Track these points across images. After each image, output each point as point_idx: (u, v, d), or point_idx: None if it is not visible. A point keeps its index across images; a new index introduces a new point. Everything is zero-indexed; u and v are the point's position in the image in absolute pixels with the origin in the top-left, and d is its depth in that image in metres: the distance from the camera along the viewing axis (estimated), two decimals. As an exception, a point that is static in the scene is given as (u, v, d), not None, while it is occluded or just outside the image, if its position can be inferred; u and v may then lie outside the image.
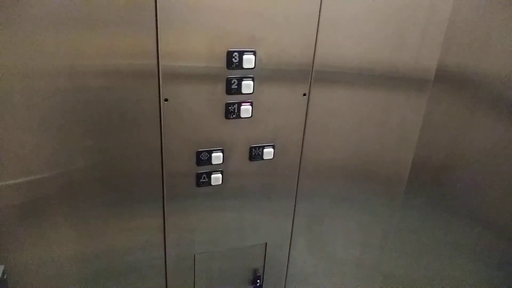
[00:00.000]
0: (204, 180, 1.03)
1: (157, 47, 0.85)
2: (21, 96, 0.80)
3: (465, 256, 1.27)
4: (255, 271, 1.26)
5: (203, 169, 1.02)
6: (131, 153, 0.94)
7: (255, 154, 1.05)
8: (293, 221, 1.21)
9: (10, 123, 0.82)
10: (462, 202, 1.22)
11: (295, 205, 1.18)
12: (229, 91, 0.94)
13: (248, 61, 0.91)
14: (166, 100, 0.90)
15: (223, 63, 0.91)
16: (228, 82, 0.93)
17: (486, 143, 1.13)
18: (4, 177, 0.86)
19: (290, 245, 1.25)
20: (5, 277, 0.83)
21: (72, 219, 0.96)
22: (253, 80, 0.94)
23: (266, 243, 1.22)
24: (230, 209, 1.11)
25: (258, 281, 1.26)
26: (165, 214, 1.04)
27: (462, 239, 1.26)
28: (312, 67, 0.99)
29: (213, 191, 1.06)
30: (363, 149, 1.16)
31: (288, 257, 1.27)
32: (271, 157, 1.06)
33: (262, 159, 1.06)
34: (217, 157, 1.01)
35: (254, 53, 0.91)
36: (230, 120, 0.98)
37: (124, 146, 0.92)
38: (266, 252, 1.23)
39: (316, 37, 0.96)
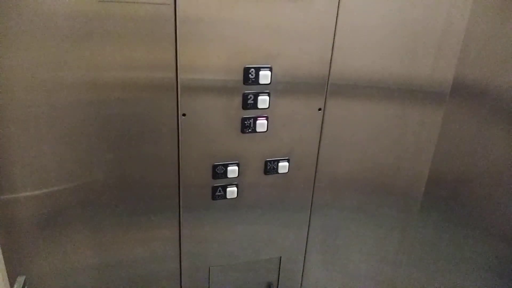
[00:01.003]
0: (219, 193, 1.04)
1: (176, 61, 0.87)
2: (42, 108, 0.82)
3: (482, 271, 1.24)
4: (269, 285, 1.25)
5: (219, 182, 1.03)
6: (148, 165, 0.95)
7: (270, 168, 1.05)
8: (307, 235, 1.20)
9: (31, 135, 0.84)
10: (479, 216, 1.21)
11: (309, 219, 1.18)
12: (245, 106, 0.95)
13: (264, 77, 0.92)
14: (184, 115, 0.92)
15: (240, 78, 0.92)
16: (245, 97, 0.94)
17: (504, 156, 1.11)
18: (25, 188, 0.88)
19: (304, 259, 1.25)
20: (26, 287, 0.85)
21: (90, 230, 0.98)
22: (269, 95, 0.95)
23: (281, 257, 1.21)
24: (245, 223, 1.12)
25: (272, 294, 1.25)
26: (181, 226, 1.05)
27: (479, 254, 1.23)
28: (328, 82, 1.00)
29: (229, 204, 1.07)
30: (379, 162, 1.16)
31: (303, 271, 1.27)
32: (286, 171, 1.07)
33: (277, 173, 1.06)
34: (232, 171, 1.02)
35: (270, 69, 0.93)
36: (246, 134, 0.99)
37: (142, 158, 0.94)
38: (281, 266, 1.23)
39: (332, 52, 0.97)
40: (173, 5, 0.82)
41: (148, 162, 0.95)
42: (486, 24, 1.03)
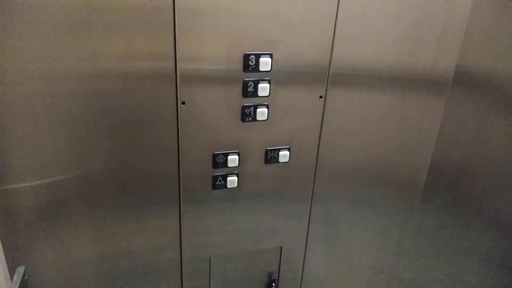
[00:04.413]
0: (220, 183, 1.03)
1: (175, 50, 0.86)
2: (41, 98, 0.82)
3: (483, 261, 1.24)
4: (270, 275, 1.25)
5: (219, 171, 1.02)
6: (148, 155, 0.95)
7: (270, 157, 1.04)
8: (308, 224, 1.20)
9: (31, 125, 0.83)
10: (480, 206, 1.20)
11: (310, 209, 1.17)
12: (246, 94, 0.94)
13: (265, 64, 0.91)
14: (183, 103, 0.91)
15: (239, 66, 0.91)
16: (245, 85, 0.93)
17: (505, 146, 1.10)
18: (24, 179, 0.87)
19: (305, 249, 1.24)
20: (25, 277, 0.85)
21: (90, 220, 0.97)
22: (269, 83, 0.94)
23: (282, 247, 1.21)
24: (246, 212, 1.11)
25: (274, 284, 1.25)
26: (181, 216, 1.05)
27: (479, 244, 1.23)
28: (329, 70, 0.99)
29: (229, 194, 1.06)
30: (380, 152, 1.15)
31: (304, 261, 1.26)
32: (287, 160, 1.06)
33: (278, 162, 1.06)
34: (233, 160, 1.01)
35: (271, 55, 0.92)
36: (246, 123, 0.98)
37: (142, 148, 0.93)
38: (281, 255, 1.23)
39: (333, 39, 0.96)
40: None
41: (147, 151, 0.94)
42: (488, 13, 1.02)
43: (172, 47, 0.86)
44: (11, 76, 0.78)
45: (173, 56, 0.86)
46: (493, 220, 1.19)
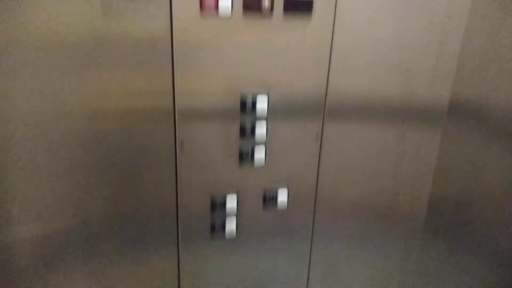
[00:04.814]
0: (218, 227, 1.01)
1: (173, 89, 0.87)
2: (40, 141, 0.81)
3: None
4: (272, 323, 1.20)
5: (217, 215, 1.00)
6: (147, 199, 0.93)
7: (269, 198, 1.03)
8: (308, 268, 1.17)
9: (29, 171, 0.82)
10: (482, 240, 1.18)
11: (310, 252, 1.15)
12: (243, 134, 0.95)
13: (262, 104, 0.93)
14: (181, 144, 0.91)
15: (237, 105, 0.92)
16: (242, 126, 0.94)
17: (504, 177, 1.10)
18: (22, 228, 0.85)
19: (307, 294, 1.20)
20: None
21: (88, 269, 0.94)
22: (266, 121, 0.95)
23: (283, 292, 1.17)
24: (245, 256, 1.08)
25: (276, 333, 1.19)
26: (180, 262, 1.02)
27: (482, 281, 1.20)
28: (324, 107, 1.00)
29: (227, 240, 1.04)
30: (379, 187, 1.14)
31: (306, 306, 1.21)
32: (285, 203, 1.05)
33: (276, 203, 1.04)
34: (231, 203, 1.00)
35: (267, 96, 0.93)
36: (243, 164, 0.98)
37: (141, 191, 0.92)
38: (283, 301, 1.18)
39: (328, 77, 0.97)
40: (169, 33, 0.83)
41: (146, 194, 0.93)
42: (480, 43, 1.04)
43: (171, 86, 0.86)
44: (9, 118, 0.78)
45: (172, 94, 0.87)
46: (496, 253, 1.16)
